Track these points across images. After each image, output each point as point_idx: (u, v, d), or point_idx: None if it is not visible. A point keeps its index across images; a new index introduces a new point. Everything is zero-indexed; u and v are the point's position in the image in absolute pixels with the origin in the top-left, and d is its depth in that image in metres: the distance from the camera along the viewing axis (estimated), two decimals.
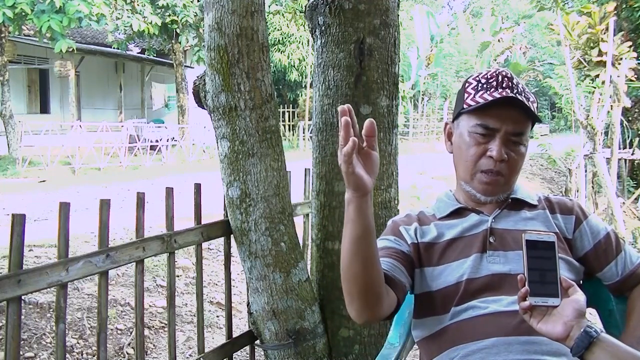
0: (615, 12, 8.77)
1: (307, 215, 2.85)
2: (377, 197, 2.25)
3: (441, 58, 21.71)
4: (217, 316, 3.46)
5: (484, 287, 1.16)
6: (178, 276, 3.79)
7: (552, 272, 0.94)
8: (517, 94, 1.19)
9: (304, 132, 16.85)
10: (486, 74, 1.24)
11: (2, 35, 11.74)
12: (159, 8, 13.38)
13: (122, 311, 3.19)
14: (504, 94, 1.18)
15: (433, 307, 1.21)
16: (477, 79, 1.24)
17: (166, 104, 18.11)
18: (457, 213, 1.28)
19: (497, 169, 1.20)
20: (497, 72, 1.22)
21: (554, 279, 0.94)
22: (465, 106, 1.22)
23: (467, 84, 1.26)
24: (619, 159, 9.12)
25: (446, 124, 1.33)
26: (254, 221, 2.13)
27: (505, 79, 1.21)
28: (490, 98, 1.18)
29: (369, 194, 0.99)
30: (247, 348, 2.43)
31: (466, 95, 1.24)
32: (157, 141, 13.50)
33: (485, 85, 1.21)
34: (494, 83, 1.21)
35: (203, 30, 2.78)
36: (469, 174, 1.24)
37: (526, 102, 1.18)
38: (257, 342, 2.35)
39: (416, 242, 1.25)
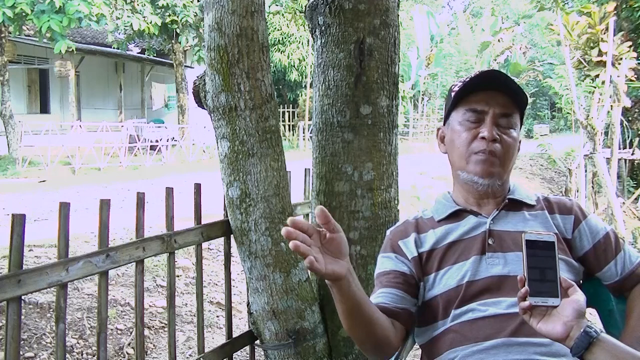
0: (615, 12, 8.76)
1: (307, 215, 2.85)
2: (377, 197, 2.25)
3: (441, 58, 21.70)
4: (217, 316, 3.46)
5: (484, 289, 1.17)
6: (178, 276, 3.79)
7: (552, 272, 0.94)
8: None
9: (304, 132, 16.85)
10: (471, 74, 1.28)
11: (2, 35, 11.74)
12: (159, 8, 13.39)
13: (122, 311, 3.19)
14: (487, 80, 1.23)
15: (436, 313, 1.21)
16: (463, 80, 1.28)
17: (166, 104, 18.11)
18: (456, 215, 1.28)
19: (490, 149, 1.21)
20: (481, 71, 1.26)
21: (554, 279, 0.94)
22: (452, 101, 1.27)
23: (453, 86, 1.30)
24: (619, 159, 9.11)
25: (438, 129, 1.36)
26: (254, 221, 2.13)
27: (490, 71, 1.25)
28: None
29: (347, 274, 1.01)
30: (247, 348, 2.43)
31: (452, 94, 1.28)
32: (157, 141, 13.50)
33: (470, 81, 1.25)
34: (479, 76, 1.25)
35: (203, 30, 2.78)
36: (464, 159, 1.24)
37: (511, 85, 1.22)
38: (257, 342, 2.35)
39: (416, 254, 1.26)
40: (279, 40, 17.89)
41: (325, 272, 0.96)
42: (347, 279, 1.01)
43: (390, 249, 1.29)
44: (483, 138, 1.21)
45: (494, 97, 1.22)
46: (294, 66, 18.02)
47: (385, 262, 1.27)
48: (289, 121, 17.71)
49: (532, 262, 0.94)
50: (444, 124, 1.33)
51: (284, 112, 17.35)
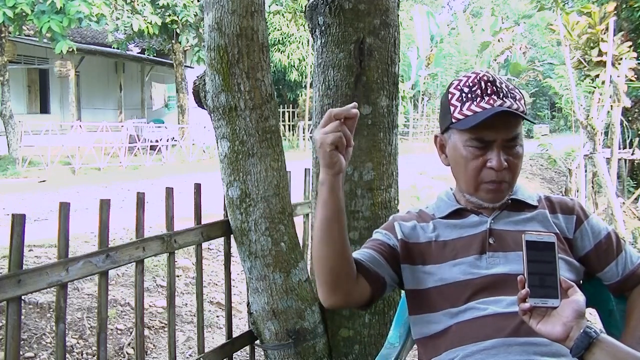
0: (615, 12, 8.74)
1: (307, 215, 2.85)
2: (377, 197, 2.25)
3: (441, 58, 21.71)
4: (217, 316, 3.46)
5: (484, 288, 1.16)
6: (178, 276, 3.79)
7: (552, 272, 0.94)
8: (504, 98, 1.16)
9: (304, 132, 16.86)
10: (467, 81, 1.20)
11: (2, 35, 11.74)
12: (159, 8, 13.39)
13: (122, 311, 3.19)
14: (491, 102, 1.15)
15: (427, 304, 1.21)
16: (460, 88, 1.20)
17: (166, 104, 18.10)
18: (457, 213, 1.28)
19: (500, 179, 1.18)
20: (478, 78, 1.18)
21: (554, 279, 0.94)
22: (453, 120, 1.20)
23: (450, 95, 1.21)
24: (619, 159, 9.09)
25: (436, 136, 1.29)
26: (254, 221, 2.13)
27: (489, 84, 1.17)
28: (478, 109, 1.15)
29: (342, 173, 1.04)
30: (247, 348, 2.43)
31: (452, 108, 1.20)
32: (157, 141, 13.50)
33: (469, 95, 1.18)
34: (478, 91, 1.17)
35: (203, 30, 2.78)
36: (473, 187, 1.22)
37: (515, 104, 1.16)
38: (257, 342, 2.35)
39: (405, 238, 1.26)
40: (279, 40, 17.89)
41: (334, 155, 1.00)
42: (342, 177, 1.05)
43: (386, 227, 1.32)
44: (492, 168, 1.17)
45: (501, 122, 1.15)
46: (294, 66, 18.03)
47: (376, 234, 1.31)
48: (289, 121, 17.71)
49: (532, 263, 0.94)
50: (442, 132, 1.27)
51: (284, 112, 17.35)
